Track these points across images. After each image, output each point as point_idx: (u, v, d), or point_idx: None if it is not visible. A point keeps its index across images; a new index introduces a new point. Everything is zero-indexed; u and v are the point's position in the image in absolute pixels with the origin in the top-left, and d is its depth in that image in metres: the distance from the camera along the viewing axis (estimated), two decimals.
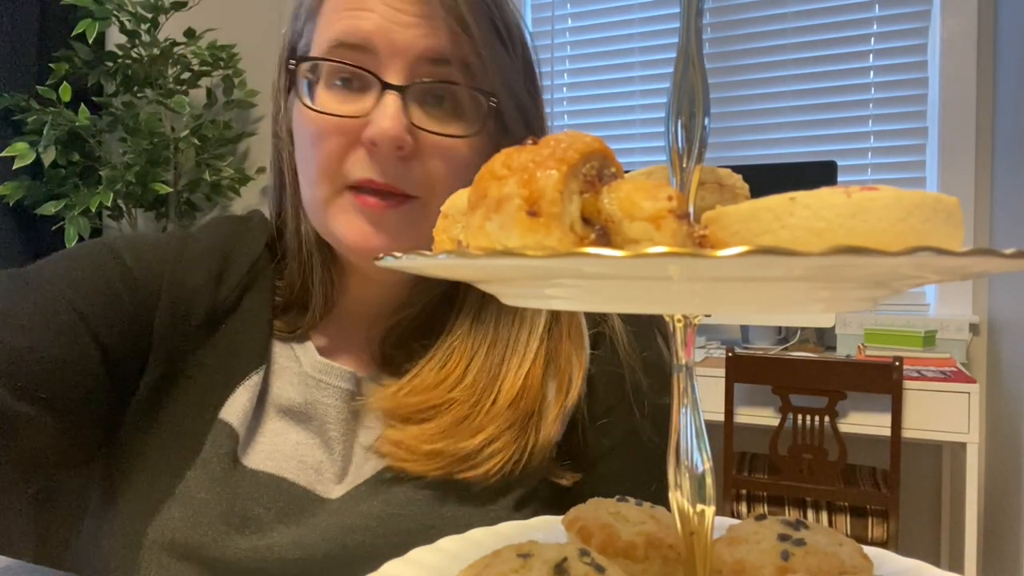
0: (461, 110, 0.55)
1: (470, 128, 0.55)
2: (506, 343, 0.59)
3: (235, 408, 0.57)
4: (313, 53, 0.56)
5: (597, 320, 0.64)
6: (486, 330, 0.60)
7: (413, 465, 0.55)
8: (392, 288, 0.63)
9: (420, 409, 0.57)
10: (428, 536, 0.51)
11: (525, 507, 0.57)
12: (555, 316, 0.61)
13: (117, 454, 0.58)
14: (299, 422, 0.60)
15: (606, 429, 0.61)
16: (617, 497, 0.39)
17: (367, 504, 0.55)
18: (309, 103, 0.55)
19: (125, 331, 0.57)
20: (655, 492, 0.60)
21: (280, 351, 0.62)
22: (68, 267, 0.56)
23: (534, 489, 0.58)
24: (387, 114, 0.52)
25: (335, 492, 0.57)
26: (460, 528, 0.52)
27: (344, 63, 0.53)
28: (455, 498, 0.56)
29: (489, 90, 0.55)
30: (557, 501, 0.60)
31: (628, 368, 0.62)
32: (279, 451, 0.58)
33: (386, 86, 0.53)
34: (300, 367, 0.61)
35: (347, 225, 0.55)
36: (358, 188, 0.55)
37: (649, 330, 0.66)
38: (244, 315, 0.61)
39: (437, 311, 0.63)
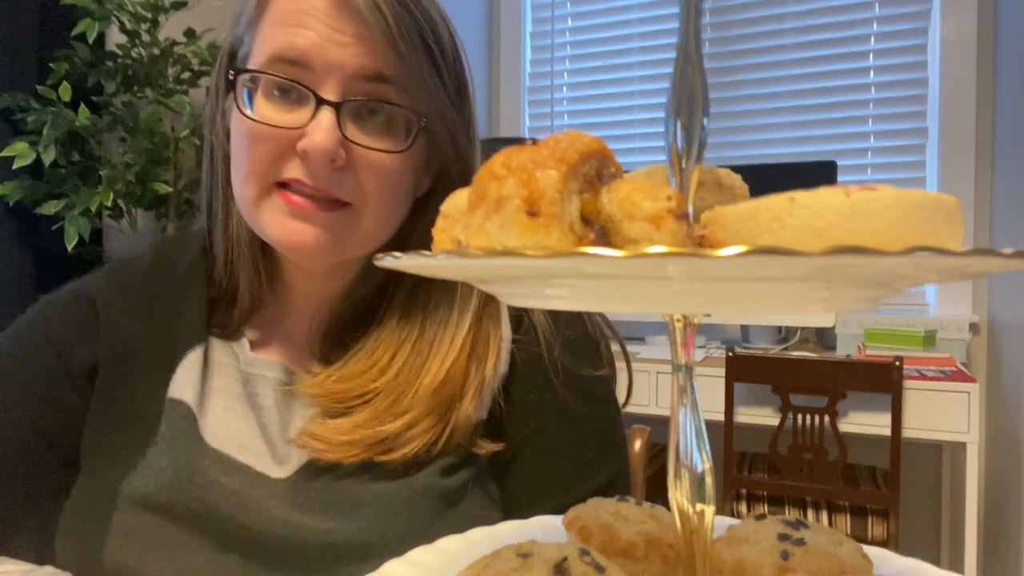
0: (392, 126, 0.58)
1: (400, 144, 0.58)
2: (432, 338, 0.62)
3: (181, 385, 0.61)
4: (253, 63, 0.58)
5: (519, 311, 0.66)
6: (413, 324, 0.63)
7: (329, 454, 0.58)
8: (330, 281, 0.66)
9: (344, 399, 0.60)
10: (362, 513, 0.56)
11: (453, 474, 0.60)
12: (482, 306, 0.64)
13: (85, 445, 0.63)
14: (238, 413, 0.63)
15: (534, 408, 0.64)
16: (617, 497, 0.39)
17: (307, 486, 0.59)
18: (248, 112, 0.57)
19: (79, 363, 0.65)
20: (591, 460, 0.64)
21: (218, 348, 0.66)
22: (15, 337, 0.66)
23: (463, 459, 0.61)
24: (321, 127, 0.55)
25: (276, 473, 0.60)
26: (389, 499, 0.56)
27: (281, 77, 0.56)
28: (384, 475, 0.59)
29: (418, 109, 0.58)
30: (492, 470, 0.63)
31: (548, 349, 0.65)
32: (223, 434, 0.61)
33: (321, 101, 0.55)
34: (237, 363, 0.65)
35: (275, 224, 0.58)
36: (287, 186, 0.57)
37: (574, 316, 0.68)
38: (179, 304, 0.66)
39: (371, 304, 0.66)
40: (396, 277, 0.65)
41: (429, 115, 0.59)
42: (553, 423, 0.64)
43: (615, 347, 0.72)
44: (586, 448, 0.65)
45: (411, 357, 0.61)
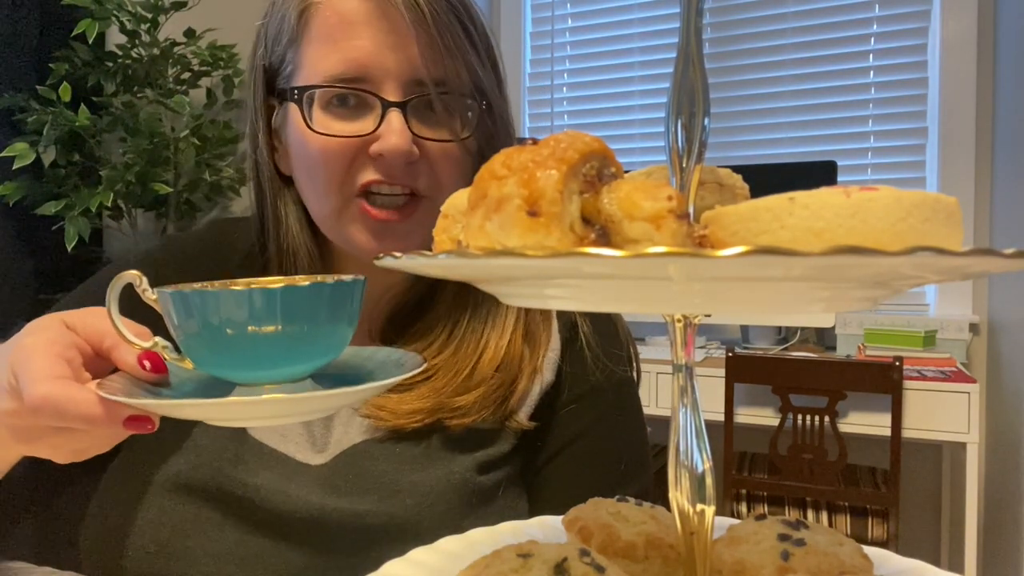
0: (451, 115, 0.60)
1: (463, 129, 0.61)
2: (485, 317, 0.65)
3: None
4: (304, 80, 0.60)
5: (571, 323, 0.68)
6: (465, 302, 0.65)
7: (395, 420, 0.60)
8: (392, 276, 0.67)
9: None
10: (398, 499, 0.57)
11: (488, 472, 0.61)
12: None
13: None
14: None
15: (573, 418, 0.66)
16: (617, 497, 0.39)
17: (345, 471, 0.60)
18: (314, 126, 0.59)
19: None
20: (622, 473, 0.66)
21: None
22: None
23: (499, 458, 0.62)
24: (394, 130, 0.57)
25: (315, 460, 0.61)
26: (425, 489, 0.58)
27: (345, 87, 0.58)
28: (421, 467, 0.60)
29: (471, 93, 0.61)
30: (524, 475, 0.65)
31: (594, 365, 0.67)
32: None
33: (387, 104, 0.57)
34: None
35: (362, 238, 0.60)
36: (367, 192, 0.59)
37: (615, 343, 0.70)
38: None
39: (426, 293, 0.68)
40: None
41: (479, 95, 0.62)
42: (590, 434, 0.66)
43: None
44: (618, 461, 0.67)
45: (468, 335, 0.64)
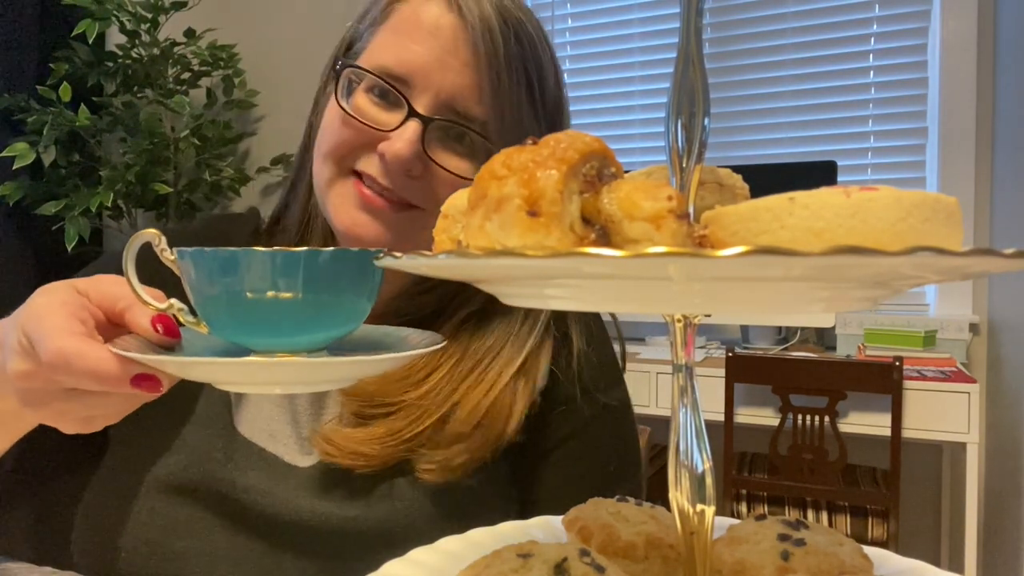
0: (475, 151, 0.59)
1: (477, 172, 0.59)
2: (471, 367, 0.62)
3: None
4: (363, 61, 0.60)
5: (560, 325, 0.68)
6: (456, 349, 0.63)
7: (340, 459, 0.59)
8: (382, 305, 0.65)
9: (371, 404, 0.60)
10: (388, 503, 0.57)
11: (479, 474, 0.61)
12: (538, 343, 0.64)
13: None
14: (272, 398, 0.64)
15: (564, 418, 0.66)
16: (617, 497, 0.39)
17: (333, 474, 0.59)
18: (344, 103, 0.59)
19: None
20: (613, 473, 0.66)
21: None
22: None
23: (495, 463, 0.62)
24: (404, 137, 0.57)
25: (303, 463, 0.61)
26: (416, 492, 0.58)
27: (381, 78, 0.58)
28: (412, 470, 0.60)
29: (504, 143, 0.58)
30: (515, 473, 0.65)
31: (582, 367, 0.67)
32: (254, 422, 0.62)
33: (412, 113, 0.57)
34: None
35: (342, 211, 0.60)
36: (361, 176, 0.59)
37: (603, 336, 0.70)
38: None
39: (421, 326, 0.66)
40: (458, 297, 0.66)
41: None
42: (579, 435, 0.66)
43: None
44: (608, 462, 0.67)
45: (442, 382, 0.61)
